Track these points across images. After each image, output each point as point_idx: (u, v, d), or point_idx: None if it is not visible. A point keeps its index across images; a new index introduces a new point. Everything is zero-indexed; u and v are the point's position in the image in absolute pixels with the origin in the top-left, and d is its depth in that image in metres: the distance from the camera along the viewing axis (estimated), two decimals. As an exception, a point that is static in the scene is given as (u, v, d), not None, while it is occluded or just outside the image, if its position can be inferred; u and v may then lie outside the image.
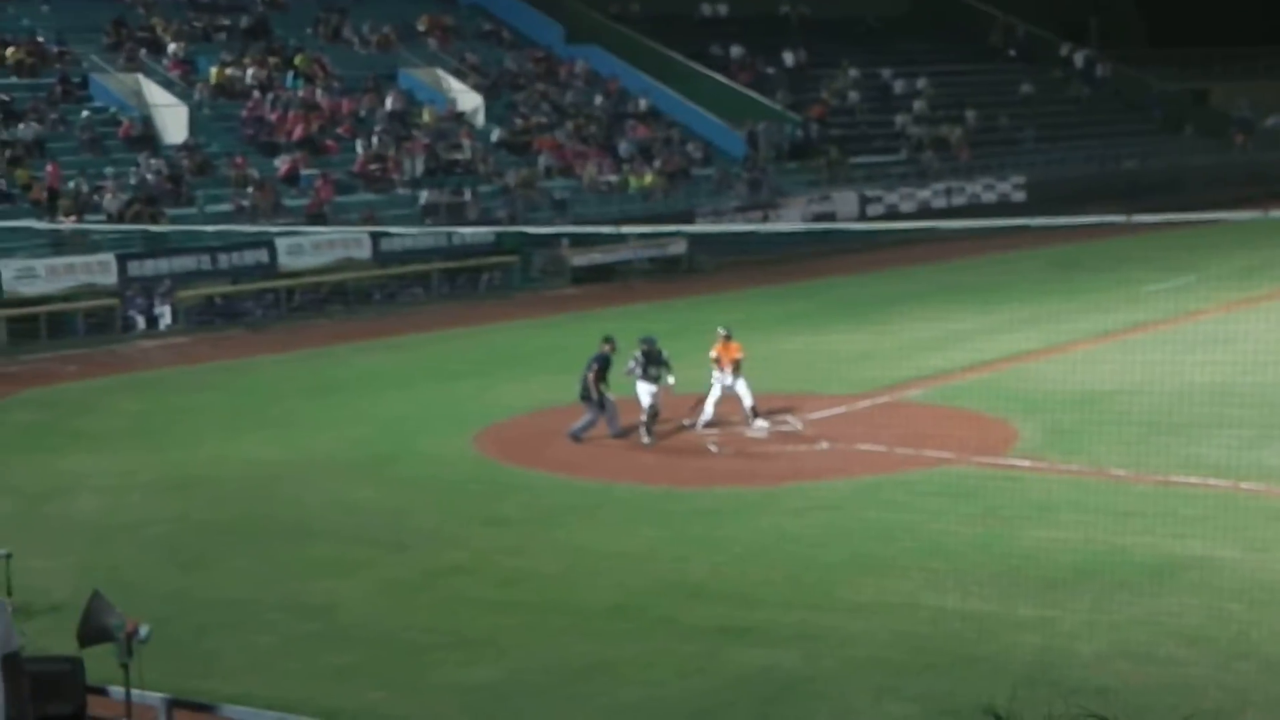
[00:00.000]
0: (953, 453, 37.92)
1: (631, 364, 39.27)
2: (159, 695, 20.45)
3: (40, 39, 69.59)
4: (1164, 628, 26.68)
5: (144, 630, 20.05)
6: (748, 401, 40.21)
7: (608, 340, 40.10)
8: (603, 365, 39.54)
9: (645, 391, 39.24)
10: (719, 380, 40.17)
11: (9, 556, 27.19)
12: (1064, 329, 50.95)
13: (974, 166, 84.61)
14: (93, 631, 20.35)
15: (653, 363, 39.26)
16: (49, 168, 59.76)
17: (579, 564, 30.81)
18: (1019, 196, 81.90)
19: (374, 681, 24.56)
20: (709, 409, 40.24)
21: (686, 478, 37.25)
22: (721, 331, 40.60)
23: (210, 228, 55.49)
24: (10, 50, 67.94)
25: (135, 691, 20.07)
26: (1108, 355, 47.96)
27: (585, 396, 39.55)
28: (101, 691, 20.17)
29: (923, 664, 25.30)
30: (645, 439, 39.28)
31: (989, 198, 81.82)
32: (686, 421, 40.26)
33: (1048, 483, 35.70)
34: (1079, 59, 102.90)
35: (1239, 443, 34.19)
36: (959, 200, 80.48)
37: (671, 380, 39.45)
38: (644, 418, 39.42)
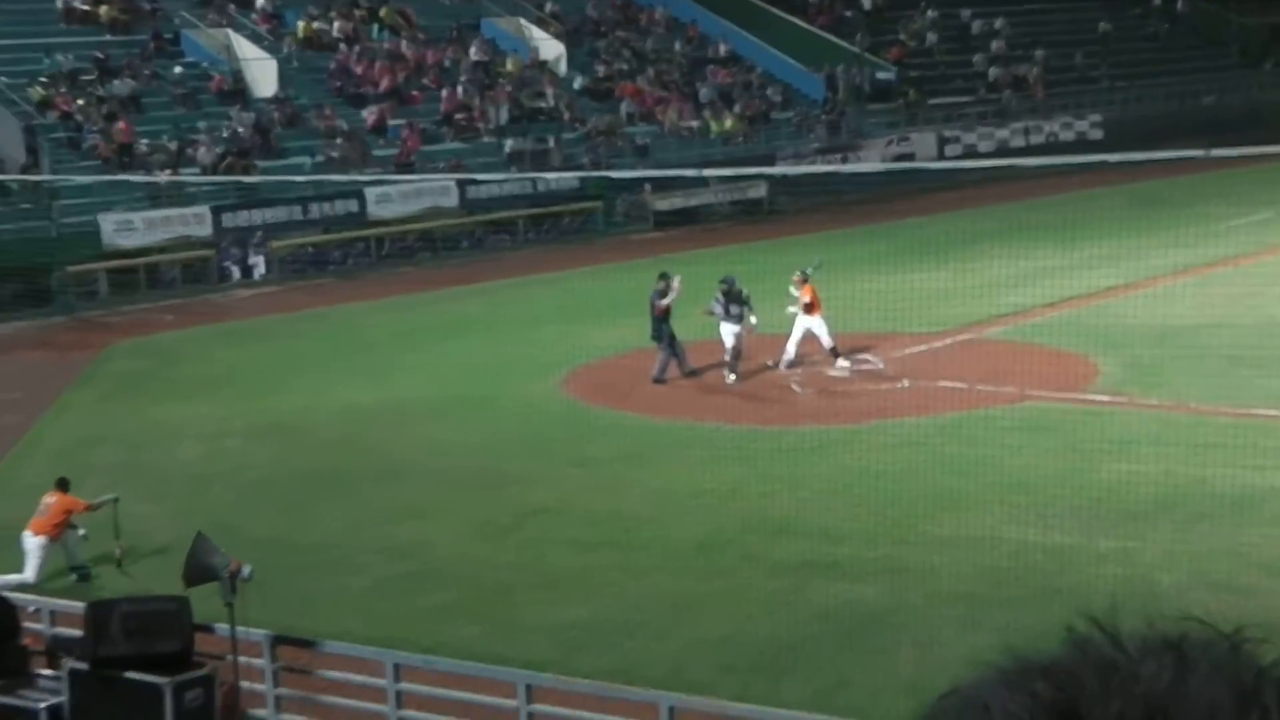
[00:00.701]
0: (1033, 389, 38.07)
1: (714, 304, 39.42)
2: (262, 632, 20.78)
3: (133, -1, 69.86)
4: (1245, 559, 26.91)
5: (247, 570, 20.37)
6: (827, 342, 40.36)
7: (663, 277, 40.37)
8: (661, 298, 39.79)
9: (729, 332, 39.31)
10: (799, 320, 40.33)
11: (117, 500, 27.68)
12: (1143, 265, 50.90)
13: (1052, 105, 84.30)
14: (198, 571, 20.64)
15: (734, 301, 39.30)
16: (120, 124, 60.05)
17: (665, 503, 31.05)
18: (1096, 135, 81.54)
19: (467, 620, 24.85)
20: (791, 349, 40.40)
21: (770, 417, 37.36)
22: (797, 276, 40.76)
23: (300, 178, 55.83)
24: (104, 8, 68.11)
25: (240, 629, 20.40)
26: (1187, 291, 47.97)
27: (656, 337, 39.90)
28: (207, 629, 20.47)
29: (1004, 597, 25.50)
30: (730, 378, 39.47)
31: (1066, 136, 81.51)
32: (770, 361, 40.43)
33: (1127, 417, 35.84)
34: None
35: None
36: (1037, 139, 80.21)
37: (754, 320, 39.57)
38: (727, 357, 39.55)
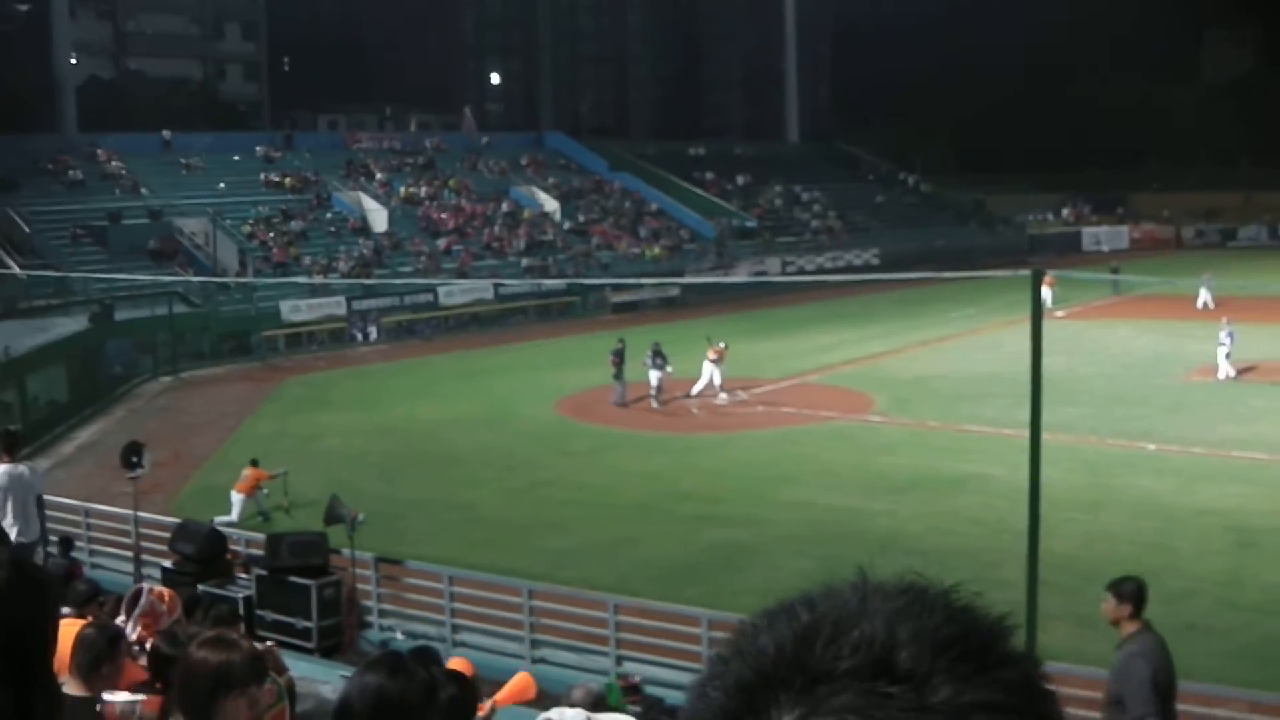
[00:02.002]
0: (836, 413, 37.96)
1: (645, 358, 39.27)
2: (370, 554, 20.69)
3: (304, 173, 69.76)
4: (959, 515, 26.80)
5: (361, 517, 20.45)
6: (718, 381, 40.22)
7: (620, 340, 40.22)
8: (618, 355, 39.56)
9: (654, 375, 39.17)
10: (707, 368, 40.19)
11: (286, 473, 27.72)
12: (902, 339, 50.91)
13: (849, 242, 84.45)
14: (332, 517, 20.65)
15: (658, 356, 39.21)
16: (293, 249, 60.57)
17: (617, 478, 30.94)
18: (875, 261, 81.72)
19: (497, 548, 24.69)
20: (699, 385, 40.16)
21: (680, 428, 37.28)
22: (710, 339, 40.58)
23: (399, 280, 55.90)
24: (288, 179, 68.24)
25: (357, 552, 20.32)
26: (928, 354, 48.01)
27: (615, 376, 39.62)
28: (337, 552, 20.32)
29: (819, 536, 25.37)
30: (654, 405, 39.24)
31: (858, 261, 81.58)
32: (680, 394, 40.21)
33: (891, 430, 35.71)
34: (910, 180, 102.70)
35: (1002, 406, 34.19)
36: (840, 263, 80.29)
37: (670, 369, 39.44)
38: (653, 392, 39.31)
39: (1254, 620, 20.96)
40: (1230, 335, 41.14)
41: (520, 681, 9.25)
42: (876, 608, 1.38)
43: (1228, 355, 41.12)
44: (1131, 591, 10.55)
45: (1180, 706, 15.65)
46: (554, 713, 8.11)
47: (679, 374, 39.75)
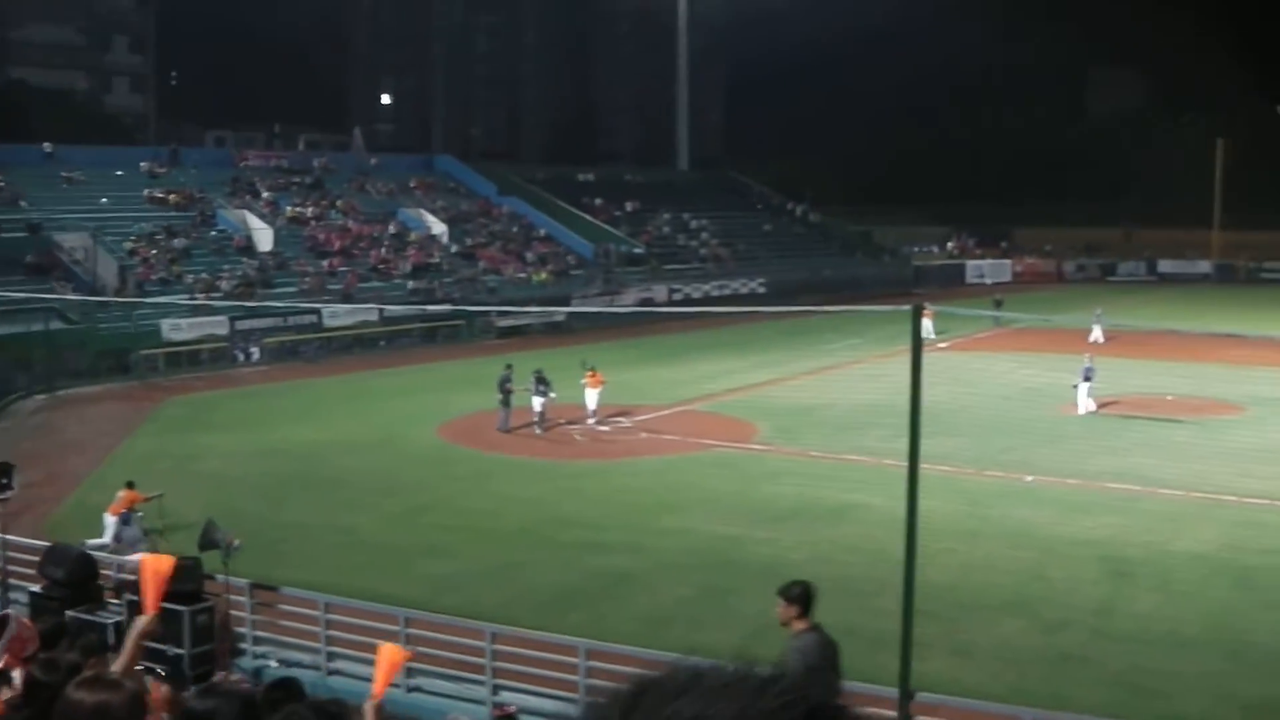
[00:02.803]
0: (720, 441, 38.02)
1: (529, 384, 39.09)
2: (245, 580, 20.35)
3: (189, 189, 68.85)
4: (839, 544, 26.94)
5: (237, 543, 20.19)
6: (593, 407, 40.25)
7: (508, 366, 39.95)
8: (504, 381, 39.31)
9: (537, 402, 38.97)
10: (587, 395, 40.17)
11: (162, 495, 27.25)
12: (787, 368, 51.11)
13: (736, 271, 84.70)
14: (207, 542, 20.33)
15: (542, 383, 39.06)
16: (176, 267, 59.82)
17: (500, 504, 30.71)
18: (762, 290, 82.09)
19: (378, 573, 24.41)
20: (589, 410, 40.21)
21: (562, 454, 37.06)
22: (589, 365, 40.60)
23: (281, 305, 55.25)
24: (173, 196, 67.30)
25: (232, 578, 20.01)
26: (812, 384, 48.26)
27: (501, 402, 39.37)
28: (212, 578, 19.93)
29: (701, 564, 25.43)
30: (538, 431, 39.02)
31: (744, 290, 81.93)
32: (562, 421, 40.06)
33: (775, 459, 35.85)
34: (798, 210, 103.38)
35: (884, 436, 34.46)
36: (727, 291, 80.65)
37: (553, 395, 39.31)
38: (536, 418, 39.12)
39: (1125, 649, 21.24)
40: (1089, 371, 41.90)
41: (386, 657, 9.07)
42: (706, 687, 1.50)
43: (1089, 391, 41.84)
44: (798, 595, 11.54)
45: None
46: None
47: (563, 400, 39.63)
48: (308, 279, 63.23)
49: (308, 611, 20.16)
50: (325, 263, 65.97)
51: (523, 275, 72.76)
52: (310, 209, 72.30)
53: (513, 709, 16.82)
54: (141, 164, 71.15)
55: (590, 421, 40.11)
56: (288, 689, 8.22)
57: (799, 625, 11.52)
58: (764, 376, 49.64)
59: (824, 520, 29.07)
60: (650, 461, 35.75)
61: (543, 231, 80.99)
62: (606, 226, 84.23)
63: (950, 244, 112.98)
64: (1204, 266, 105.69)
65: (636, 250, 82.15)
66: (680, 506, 30.34)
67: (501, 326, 62.82)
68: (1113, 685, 19.63)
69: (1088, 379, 41.80)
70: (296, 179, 76.75)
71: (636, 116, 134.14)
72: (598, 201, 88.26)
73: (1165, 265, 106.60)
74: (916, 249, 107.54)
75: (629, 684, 1.55)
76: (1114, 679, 19.96)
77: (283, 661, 19.50)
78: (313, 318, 58.13)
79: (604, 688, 1.60)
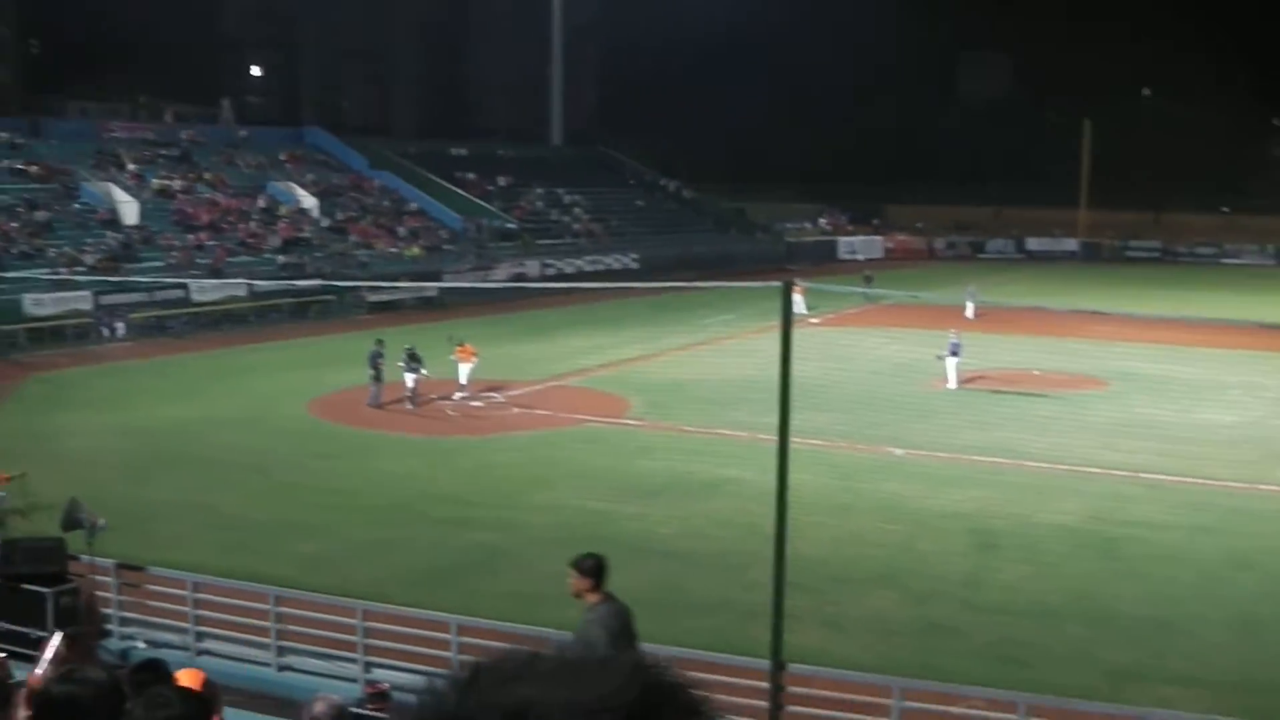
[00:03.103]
0: (592, 416, 38.05)
1: (401, 360, 38.82)
2: (111, 560, 20.01)
3: (51, 161, 67.36)
4: (712, 519, 27.14)
5: (102, 522, 19.79)
6: (464, 381, 40.15)
7: (379, 341, 39.67)
8: (375, 357, 39.02)
9: (409, 377, 38.72)
10: (460, 369, 40.03)
11: (24, 474, 26.62)
12: (660, 344, 51.22)
13: (609, 246, 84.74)
14: (71, 522, 19.97)
15: (414, 359, 38.82)
16: (38, 240, 58.34)
17: (372, 481, 30.50)
18: (635, 266, 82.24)
19: (248, 552, 24.13)
20: (463, 384, 40.06)
21: (433, 430, 36.81)
22: (458, 339, 40.48)
23: (145, 280, 54.27)
24: (35, 168, 65.84)
25: (98, 559, 19.68)
26: (684, 359, 48.45)
27: (372, 378, 39.06)
28: (76, 558, 19.59)
29: (572, 539, 25.23)
30: (410, 407, 38.78)
31: (617, 266, 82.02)
32: (435, 396, 39.83)
33: (648, 434, 35.95)
34: (672, 186, 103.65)
35: (757, 411, 34.68)
36: (600, 267, 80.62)
37: (425, 371, 39.09)
38: (408, 394, 38.85)
39: (993, 620, 21.63)
40: (956, 346, 42.56)
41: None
42: (542, 671, 1.52)
43: (956, 365, 42.52)
44: (590, 567, 11.67)
45: (918, 705, 16.09)
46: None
47: (435, 375, 39.41)
48: (175, 253, 62.20)
49: (176, 591, 19.88)
50: (193, 236, 64.92)
51: (395, 250, 72.19)
52: (177, 182, 71.07)
53: (385, 686, 16.72)
54: (1, 135, 69.54)
55: (461, 396, 39.94)
56: (154, 671, 8.09)
57: (593, 598, 11.71)
58: (636, 352, 49.73)
59: (696, 495, 29.23)
60: (522, 437, 35.68)
61: (415, 206, 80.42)
62: (479, 201, 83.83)
63: (823, 221, 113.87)
64: (1070, 245, 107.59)
65: (509, 225, 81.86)
66: (552, 482, 30.34)
67: (373, 301, 62.20)
68: (981, 655, 19.97)
69: (954, 354, 42.44)
70: (163, 152, 75.37)
71: (510, 92, 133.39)
72: (470, 176, 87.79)
73: (1033, 243, 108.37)
74: (790, 225, 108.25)
75: (464, 668, 1.56)
76: (982, 648, 20.31)
77: (150, 643, 19.23)
78: (180, 293, 57.19)
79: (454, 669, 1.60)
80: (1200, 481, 31.14)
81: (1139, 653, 20.34)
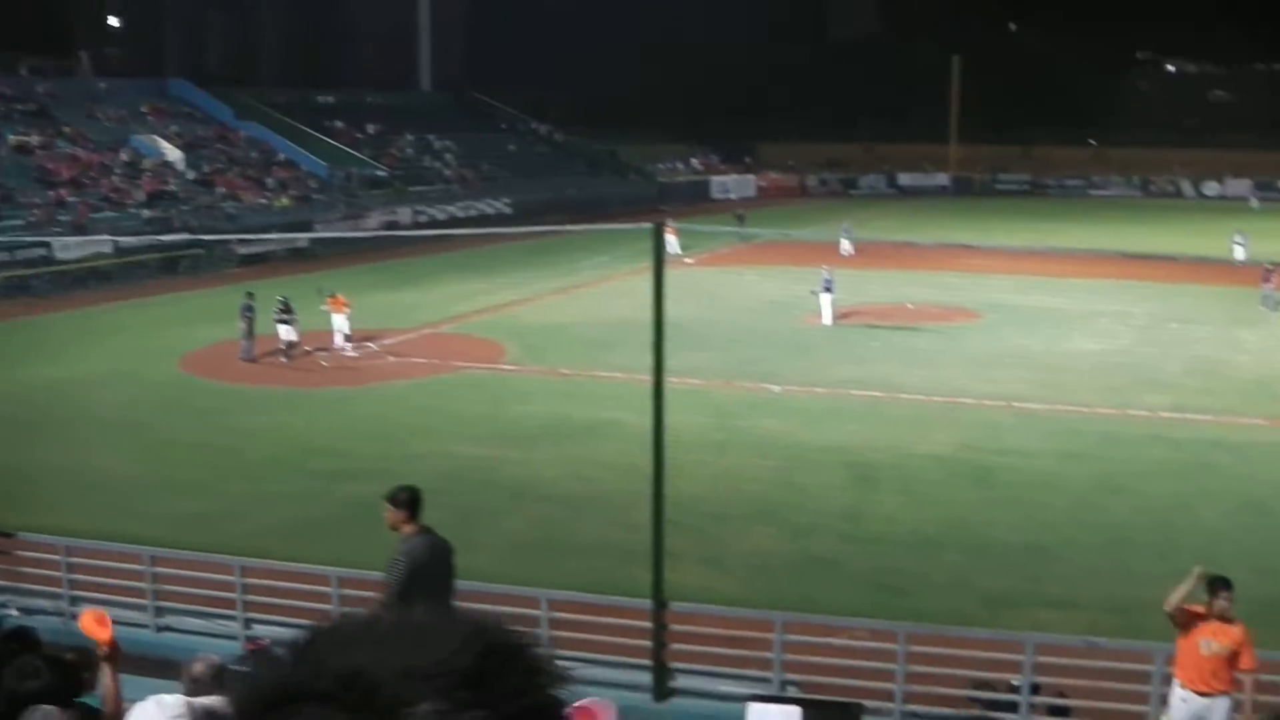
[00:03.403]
0: (469, 362, 37.91)
1: (274, 312, 38.37)
2: (-20, 527, 19.61)
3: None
4: (592, 461, 27.22)
5: None
6: (347, 331, 39.81)
7: (249, 294, 39.11)
8: (246, 310, 38.45)
9: (283, 330, 38.27)
10: (334, 320, 39.68)
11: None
12: (535, 288, 51.04)
13: (481, 192, 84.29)
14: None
15: (286, 310, 38.36)
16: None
17: (247, 435, 30.07)
18: (508, 211, 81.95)
19: (120, 514, 23.74)
20: (336, 338, 39.68)
21: (308, 382, 36.40)
22: (328, 291, 40.13)
23: (6, 237, 53.02)
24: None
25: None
26: (560, 302, 48.37)
27: (244, 333, 38.54)
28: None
29: (454, 487, 25.30)
30: (284, 360, 38.34)
31: (490, 211, 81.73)
32: (308, 348, 39.40)
33: (526, 379, 35.91)
34: (542, 130, 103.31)
35: (634, 353, 34.67)
36: (472, 213, 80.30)
37: (298, 320, 38.61)
38: (282, 346, 38.42)
39: (872, 551, 21.95)
40: (829, 282, 42.97)
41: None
42: (377, 635, 1.50)
43: (830, 301, 42.96)
44: (405, 499, 12.24)
45: (800, 638, 16.26)
46: (151, 702, 7.80)
47: (309, 327, 38.99)
48: (36, 210, 60.77)
49: (48, 557, 19.47)
50: (54, 193, 63.46)
51: (263, 201, 71.19)
52: (36, 138, 69.33)
53: (265, 642, 16.58)
54: None
55: (337, 347, 39.60)
56: (23, 639, 7.95)
57: (408, 529, 12.13)
58: (511, 297, 49.55)
59: (576, 438, 29.27)
60: (399, 385, 35.44)
61: (283, 156, 79.34)
62: (349, 150, 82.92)
63: (695, 161, 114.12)
64: (942, 179, 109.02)
65: (380, 173, 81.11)
66: (431, 430, 30.20)
67: (243, 254, 61.30)
68: (861, 586, 20.25)
69: (828, 290, 42.81)
70: (20, 106, 73.46)
71: (378, 38, 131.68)
72: (339, 125, 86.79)
73: (905, 179, 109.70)
74: (662, 166, 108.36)
75: (301, 634, 1.53)
76: (862, 579, 20.60)
77: (24, 610, 18.85)
78: (42, 250, 55.90)
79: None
80: (1071, 409, 31.78)
81: (1014, 578, 20.75)
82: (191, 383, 36.61)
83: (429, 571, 12.10)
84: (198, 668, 8.94)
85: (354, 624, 1.52)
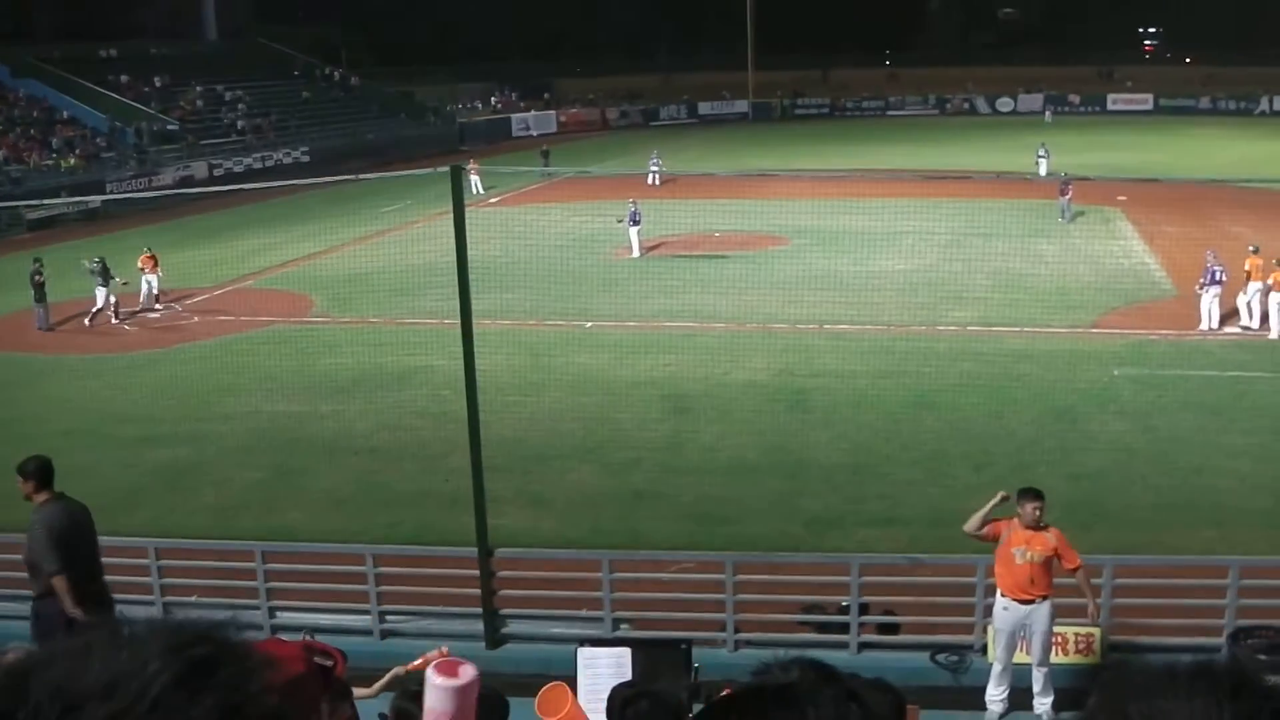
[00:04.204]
0: (275, 317, 37.28)
1: (94, 274, 37.20)
2: None
3: None
4: (406, 409, 27.02)
5: None
6: (157, 291, 38.93)
7: (37, 260, 37.77)
8: (34, 275, 36.90)
9: (100, 293, 37.17)
10: (145, 280, 38.72)
11: None
12: (337, 237, 49.97)
13: (277, 141, 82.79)
14: None
15: (104, 273, 37.26)
16: None
17: (49, 407, 29.13)
18: (306, 160, 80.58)
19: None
20: (143, 299, 38.75)
21: (111, 347, 35.42)
22: (145, 249, 39.23)
23: None
24: None
25: None
26: (364, 251, 47.54)
27: (36, 300, 37.31)
28: None
29: (268, 446, 25.17)
30: (87, 323, 37.31)
31: (288, 161, 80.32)
32: (111, 313, 38.34)
33: (335, 331, 35.46)
34: (336, 75, 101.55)
35: (442, 297, 34.28)
36: (270, 163, 78.92)
37: (117, 280, 37.57)
38: (94, 310, 37.27)
39: (693, 481, 22.16)
40: (636, 215, 43.19)
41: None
42: (82, 653, 1.46)
43: (638, 233, 43.22)
44: (33, 470, 12.24)
45: (629, 575, 16.34)
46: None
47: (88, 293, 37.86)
48: None
49: None
50: None
51: (49, 163, 68.98)
52: None
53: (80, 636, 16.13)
54: None
55: (143, 308, 38.63)
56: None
57: (40, 497, 12.22)
58: (314, 247, 48.62)
59: (388, 387, 29.03)
60: (205, 345, 34.63)
61: (66, 114, 76.91)
62: (136, 104, 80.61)
63: (494, 99, 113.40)
64: (741, 106, 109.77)
65: (170, 127, 79.09)
66: (240, 389, 29.62)
67: (32, 220, 59.33)
68: (685, 517, 20.44)
69: (635, 223, 42.96)
70: None
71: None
72: (124, 79, 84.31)
73: (705, 107, 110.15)
74: (461, 106, 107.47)
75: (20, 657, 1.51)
76: (686, 510, 20.79)
77: None
78: None
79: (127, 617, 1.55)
80: (881, 328, 32.36)
81: (835, 499, 21.12)
82: (-13, 355, 35.46)
83: (69, 537, 12.24)
84: (9, 657, 8.67)
85: (60, 649, 1.48)
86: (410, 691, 7.33)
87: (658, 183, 58.78)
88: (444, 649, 10.00)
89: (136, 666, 1.41)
